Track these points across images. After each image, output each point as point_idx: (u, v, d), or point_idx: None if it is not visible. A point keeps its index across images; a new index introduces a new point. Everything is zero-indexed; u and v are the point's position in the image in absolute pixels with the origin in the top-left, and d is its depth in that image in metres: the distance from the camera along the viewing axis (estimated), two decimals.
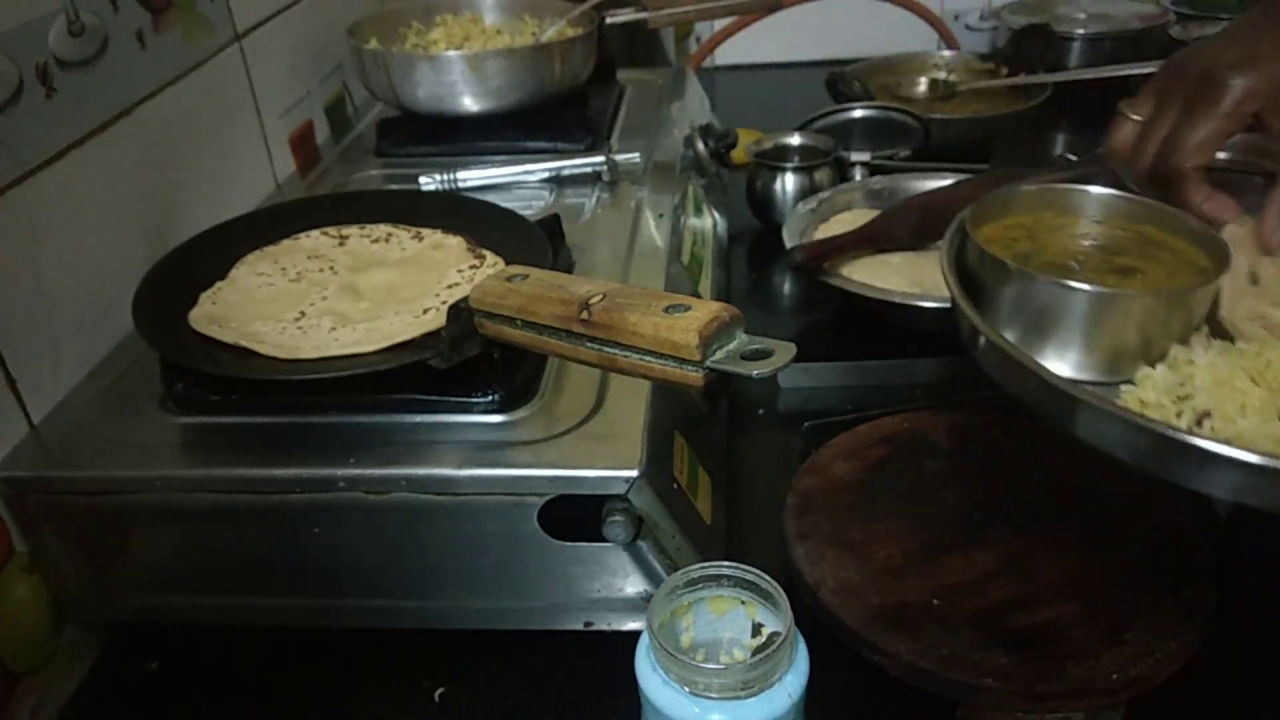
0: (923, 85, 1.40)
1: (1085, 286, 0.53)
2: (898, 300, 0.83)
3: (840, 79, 1.28)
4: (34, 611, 0.62)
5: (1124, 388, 0.52)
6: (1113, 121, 0.61)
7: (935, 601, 0.58)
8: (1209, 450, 0.43)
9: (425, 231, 0.77)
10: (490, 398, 0.60)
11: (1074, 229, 0.61)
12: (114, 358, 0.70)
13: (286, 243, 0.76)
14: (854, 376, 0.85)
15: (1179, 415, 0.49)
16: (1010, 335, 0.54)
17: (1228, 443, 0.44)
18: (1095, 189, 0.61)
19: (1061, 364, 0.54)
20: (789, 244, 0.90)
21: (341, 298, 0.69)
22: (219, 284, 0.71)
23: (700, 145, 1.03)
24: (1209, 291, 0.54)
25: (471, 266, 0.71)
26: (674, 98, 1.13)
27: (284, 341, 0.64)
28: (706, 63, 1.65)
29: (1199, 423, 0.48)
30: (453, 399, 0.61)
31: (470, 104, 0.96)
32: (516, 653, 0.62)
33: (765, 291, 1.03)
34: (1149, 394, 0.51)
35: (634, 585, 0.60)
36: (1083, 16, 1.50)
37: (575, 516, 0.57)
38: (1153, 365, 0.52)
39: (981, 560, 0.60)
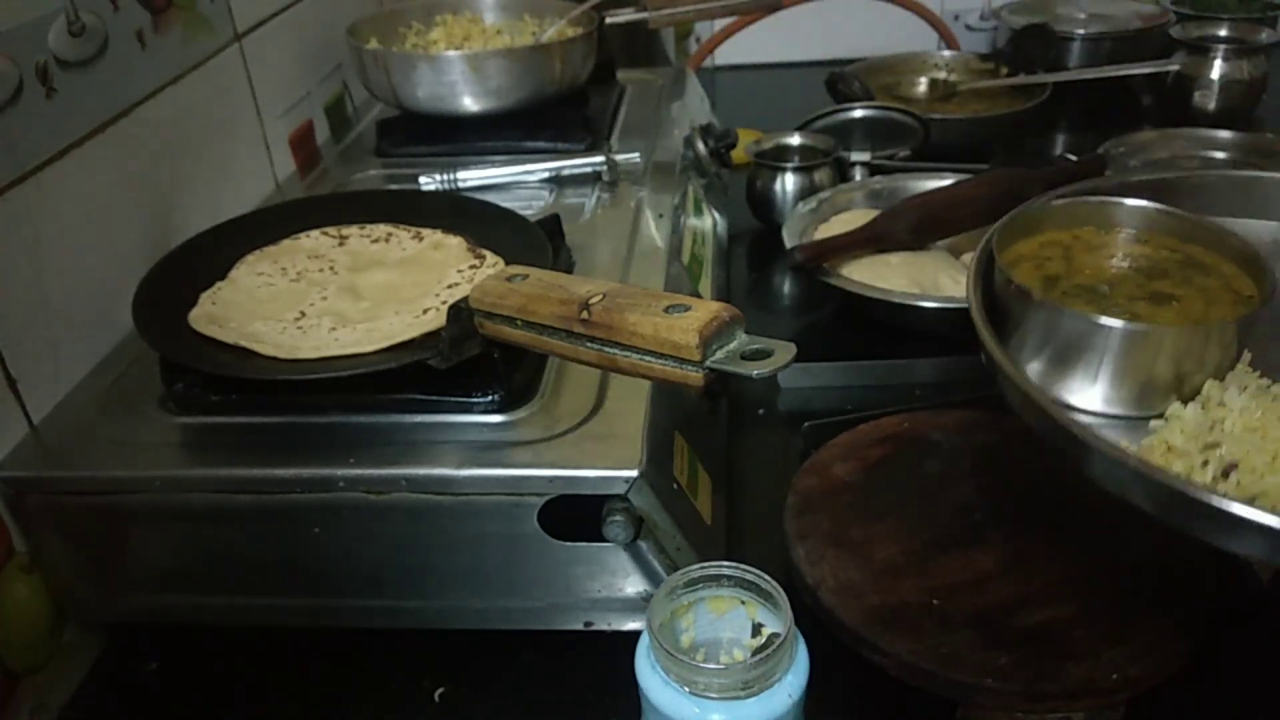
0: (923, 85, 1.40)
1: (1111, 321, 0.49)
2: (898, 300, 0.83)
3: (840, 79, 1.28)
4: (34, 611, 0.62)
5: (1154, 424, 0.49)
6: None
7: (935, 601, 0.58)
8: (1227, 511, 0.39)
9: (425, 231, 0.77)
10: (490, 398, 0.60)
11: (1114, 248, 0.56)
12: (114, 358, 0.69)
13: (286, 243, 0.76)
14: (854, 376, 0.85)
15: (1204, 465, 0.45)
16: (1037, 364, 0.51)
17: (1250, 502, 0.39)
18: (1138, 202, 0.57)
19: (1090, 396, 0.51)
20: (789, 244, 0.90)
21: (341, 298, 0.69)
22: (219, 284, 0.71)
23: (700, 145, 1.03)
24: (1249, 323, 0.49)
25: (471, 266, 0.71)
26: (674, 98, 1.13)
27: (284, 341, 0.64)
28: (706, 63, 1.65)
29: (1225, 474, 0.44)
30: (453, 399, 0.61)
31: (470, 104, 0.96)
32: (516, 653, 0.62)
33: (765, 291, 1.03)
34: (1176, 437, 0.47)
35: (634, 585, 0.60)
36: (1083, 16, 1.50)
37: (575, 516, 0.57)
38: (1185, 400, 0.48)
39: (981, 560, 0.60)
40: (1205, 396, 0.48)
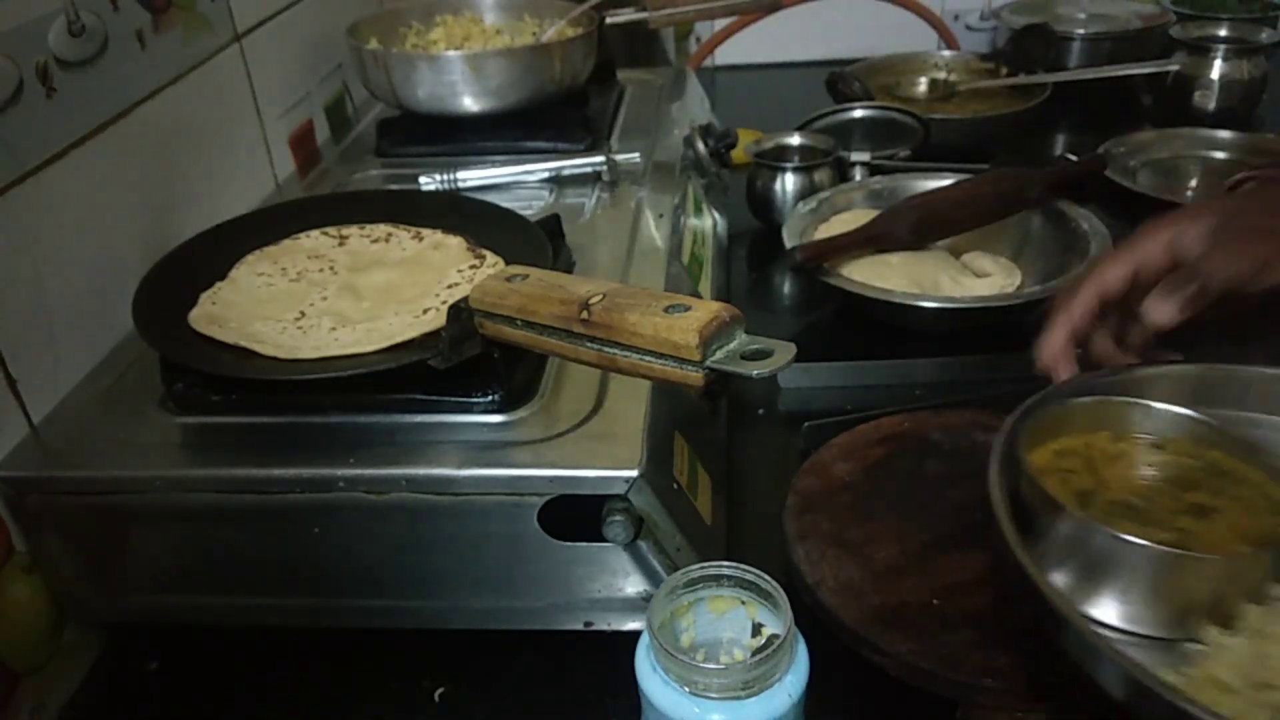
0: (923, 85, 1.40)
1: (1162, 548, 0.46)
2: (898, 300, 0.83)
3: (840, 79, 1.28)
4: (34, 611, 0.62)
5: (1192, 650, 0.46)
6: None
7: (935, 601, 0.58)
8: None
9: (425, 231, 0.77)
10: (490, 398, 0.60)
11: (1134, 457, 0.53)
12: (114, 358, 0.69)
13: (286, 243, 0.76)
14: (854, 376, 0.85)
15: (1258, 707, 0.41)
16: (1061, 577, 0.48)
17: None
18: (1157, 405, 0.54)
19: (1114, 612, 0.48)
20: (789, 244, 0.90)
21: (341, 298, 0.69)
22: (219, 284, 0.71)
23: (700, 145, 1.03)
24: None
25: (471, 266, 0.71)
26: (674, 98, 1.13)
27: (284, 341, 0.64)
28: (706, 63, 1.65)
29: None
30: (453, 399, 0.61)
31: (470, 104, 0.96)
32: (516, 653, 0.62)
33: (765, 291, 1.03)
34: (1225, 673, 0.43)
35: (634, 585, 0.60)
36: (1083, 16, 1.51)
37: (575, 516, 0.57)
38: (1225, 624, 0.45)
39: (981, 560, 0.60)
40: (1251, 626, 0.45)
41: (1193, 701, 0.39)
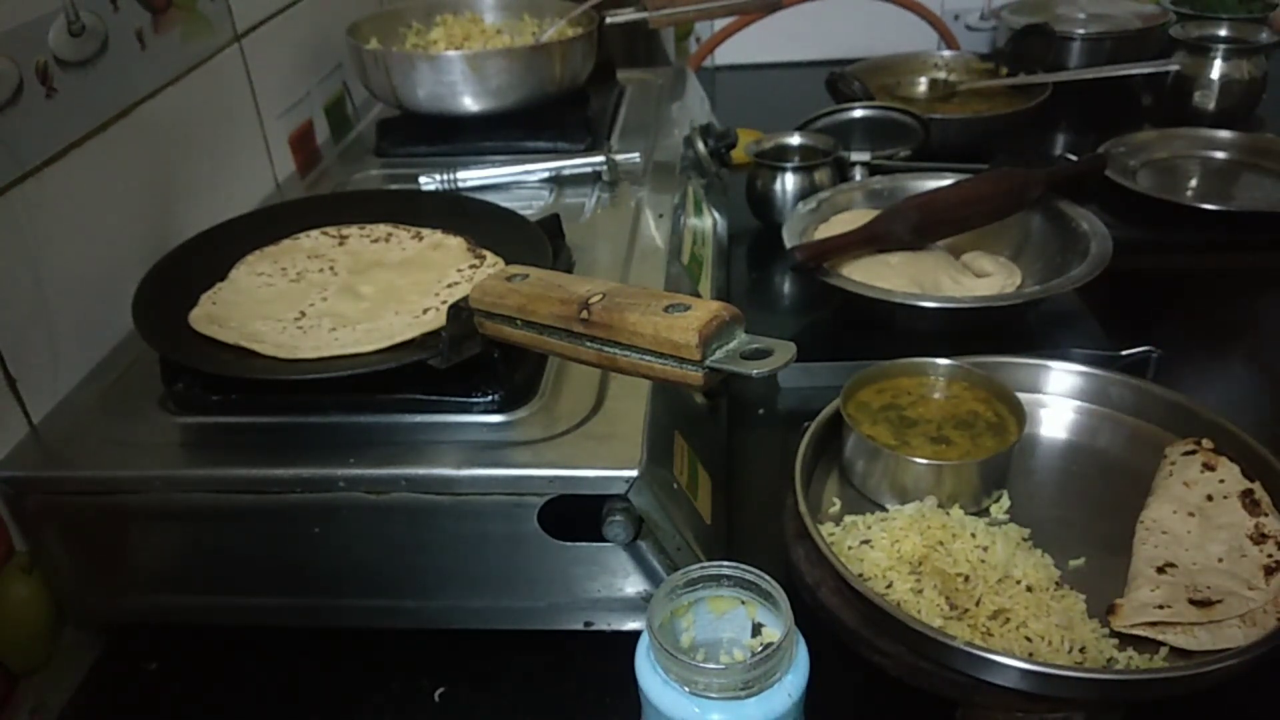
0: (923, 85, 1.40)
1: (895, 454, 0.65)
2: (898, 300, 0.83)
3: (840, 79, 1.28)
4: (34, 611, 0.62)
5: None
6: None
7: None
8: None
9: (425, 231, 0.77)
10: (490, 398, 0.60)
11: (930, 394, 0.71)
12: (114, 358, 0.70)
13: (286, 243, 0.76)
14: None
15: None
16: (859, 464, 0.68)
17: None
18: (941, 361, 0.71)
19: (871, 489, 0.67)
20: (789, 244, 0.90)
21: (341, 298, 0.69)
22: (219, 284, 0.71)
23: (700, 145, 1.03)
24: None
25: (471, 266, 0.71)
26: (674, 98, 1.13)
27: (284, 341, 0.64)
28: (706, 63, 1.65)
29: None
30: (453, 399, 0.61)
31: (470, 104, 0.96)
32: (516, 653, 0.63)
33: (765, 291, 1.03)
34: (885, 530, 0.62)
35: (634, 585, 0.60)
36: (1083, 16, 1.51)
37: (575, 516, 0.57)
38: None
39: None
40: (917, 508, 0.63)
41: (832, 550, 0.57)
